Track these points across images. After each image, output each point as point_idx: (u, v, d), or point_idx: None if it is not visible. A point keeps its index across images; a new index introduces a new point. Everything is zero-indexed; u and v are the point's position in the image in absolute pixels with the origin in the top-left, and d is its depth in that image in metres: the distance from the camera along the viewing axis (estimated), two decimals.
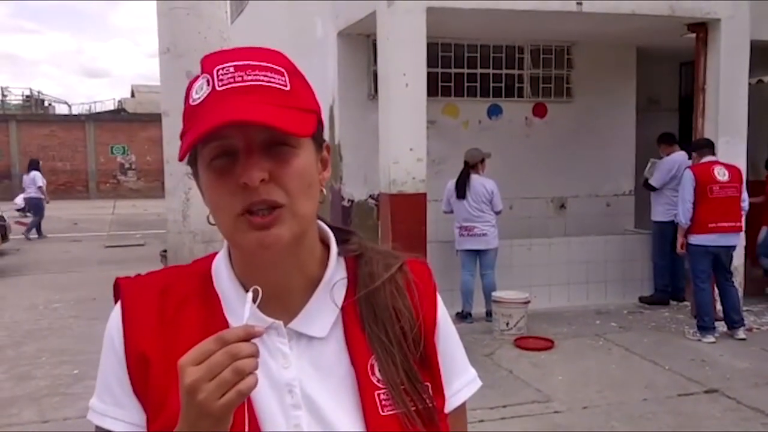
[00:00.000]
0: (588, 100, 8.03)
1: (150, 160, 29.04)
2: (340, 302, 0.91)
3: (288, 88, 0.83)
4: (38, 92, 34.82)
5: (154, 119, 29.00)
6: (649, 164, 7.41)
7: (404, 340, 0.90)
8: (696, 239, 5.90)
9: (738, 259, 6.44)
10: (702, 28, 6.51)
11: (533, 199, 7.91)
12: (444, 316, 0.98)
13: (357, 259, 0.95)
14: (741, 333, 5.90)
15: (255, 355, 0.74)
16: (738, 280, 6.46)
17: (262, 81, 0.82)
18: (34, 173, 14.09)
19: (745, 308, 6.66)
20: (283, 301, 0.90)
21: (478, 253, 6.52)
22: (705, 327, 5.88)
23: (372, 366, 0.88)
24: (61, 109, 34.03)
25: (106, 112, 31.72)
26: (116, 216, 19.03)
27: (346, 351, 0.89)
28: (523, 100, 7.88)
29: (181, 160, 0.86)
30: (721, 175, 5.87)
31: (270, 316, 0.88)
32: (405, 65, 5.65)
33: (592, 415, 4.39)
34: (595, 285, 7.15)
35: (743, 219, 6.01)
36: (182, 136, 0.84)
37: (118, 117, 29.68)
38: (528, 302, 6.09)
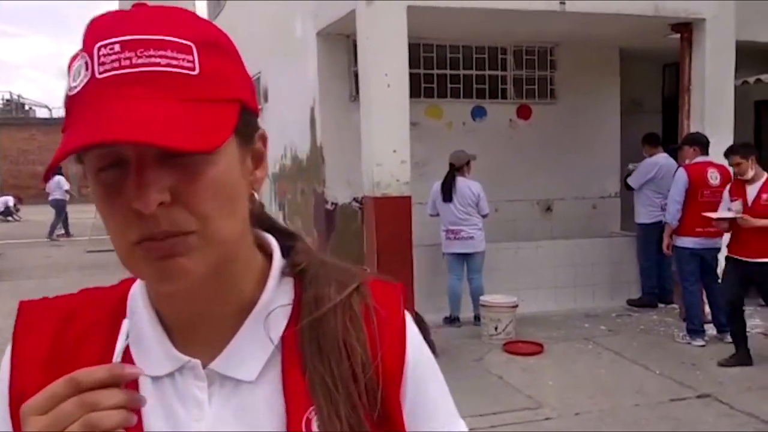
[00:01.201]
0: (572, 102, 7.96)
1: None
2: (277, 335, 0.71)
3: (196, 72, 0.61)
4: (18, 96, 34.39)
5: None
6: (630, 168, 7.39)
7: (354, 386, 0.68)
8: (682, 242, 5.82)
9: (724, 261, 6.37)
10: (686, 28, 6.46)
11: (519, 201, 7.81)
12: (417, 356, 0.74)
13: (301, 276, 0.75)
14: (730, 336, 5.82)
15: (123, 405, 0.58)
16: None
17: (158, 65, 0.60)
18: (59, 177, 14.62)
19: None
20: (205, 334, 0.71)
21: (465, 256, 6.39)
22: (694, 330, 5.80)
23: (309, 420, 0.68)
24: (41, 113, 33.63)
25: None
26: (98, 220, 18.43)
27: (282, 398, 0.69)
28: (507, 101, 7.79)
29: (47, 175, 0.67)
30: (714, 178, 5.75)
31: (189, 352, 0.69)
32: (386, 65, 5.52)
33: (584, 421, 4.27)
34: (582, 288, 7.06)
35: None
36: (63, 131, 0.64)
37: None
38: (516, 306, 5.97)
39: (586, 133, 8.00)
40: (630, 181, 7.11)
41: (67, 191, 14.83)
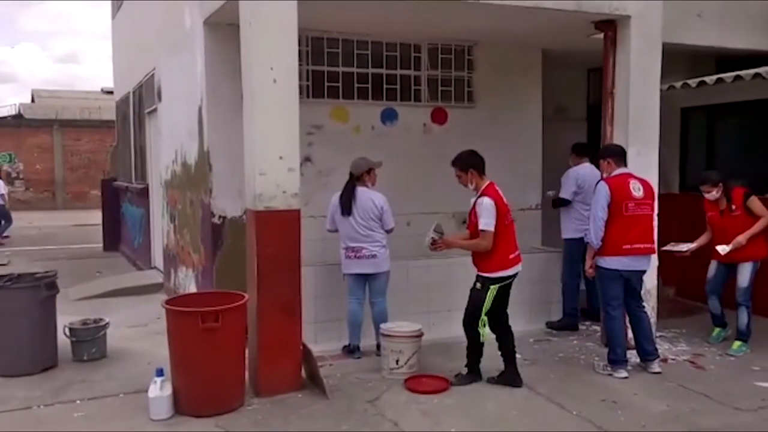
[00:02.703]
0: (491, 106, 7.36)
1: (39, 169, 26.99)
2: None
3: None
4: None
5: (46, 125, 26.94)
6: (549, 194, 6.92)
7: None
8: (607, 262, 5.23)
9: (651, 282, 5.86)
10: (611, 27, 5.92)
11: (433, 214, 7.07)
12: None
13: None
14: (656, 366, 5.28)
15: None
16: (651, 304, 5.88)
17: None
18: None
19: (657, 334, 6.10)
20: None
21: (366, 277, 5.66)
22: (616, 360, 5.23)
23: None
24: None
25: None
26: None
27: None
28: (420, 104, 7.11)
29: None
30: (637, 190, 5.23)
31: None
32: (272, 57, 4.72)
33: None
34: None
35: (655, 240, 5.43)
36: None
37: (3, 122, 27.38)
38: (421, 335, 5.27)
39: (506, 141, 7.41)
40: (563, 194, 6.61)
41: (2, 195, 14.96)
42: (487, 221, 4.79)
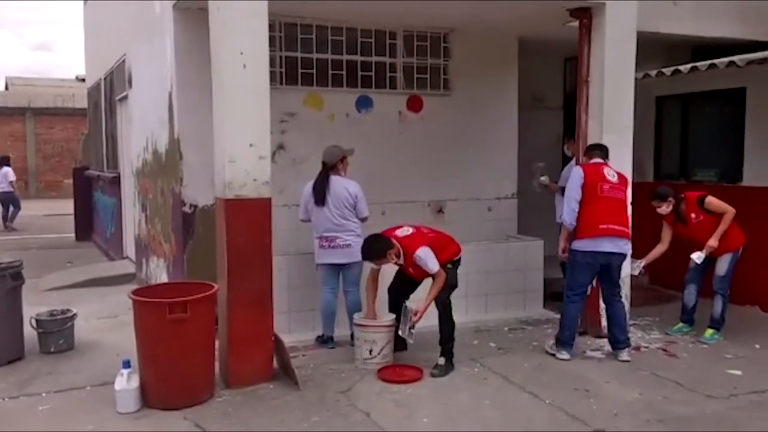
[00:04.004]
0: (467, 94, 7.30)
1: (12, 158, 26.38)
2: None
3: None
4: None
5: (19, 113, 26.38)
6: (538, 168, 6.80)
7: None
8: (583, 244, 5.23)
9: (625, 270, 5.86)
10: (586, 14, 5.87)
11: (408, 203, 7.08)
12: None
13: None
14: (625, 354, 5.29)
15: None
16: (625, 292, 5.88)
17: None
18: (6, 169, 15.16)
19: (632, 322, 6.12)
20: None
21: (340, 267, 5.59)
22: (563, 342, 5.31)
23: None
24: None
25: None
26: None
27: None
28: (396, 91, 7.03)
29: None
30: (611, 176, 5.31)
31: None
32: (242, 41, 4.61)
33: None
34: (474, 299, 6.40)
35: (630, 226, 5.42)
36: None
37: None
38: (395, 326, 5.22)
39: (482, 129, 7.37)
40: (562, 182, 6.49)
41: (11, 182, 15.19)
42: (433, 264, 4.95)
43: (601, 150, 5.52)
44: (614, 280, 5.37)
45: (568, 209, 5.26)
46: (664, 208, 5.86)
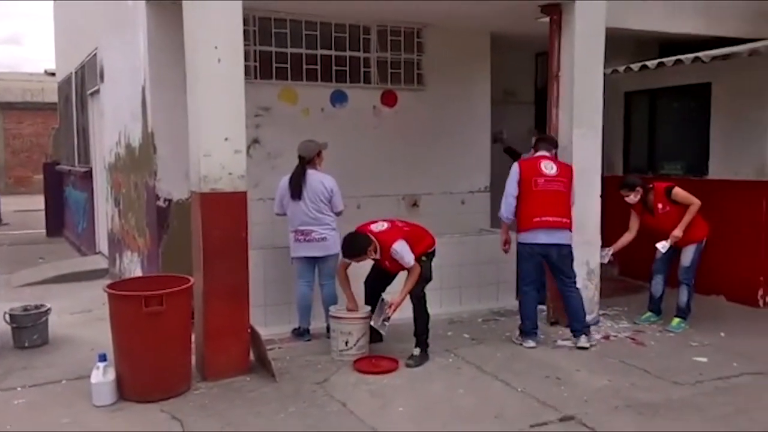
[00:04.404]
0: (441, 89, 7.37)
1: None
2: None
3: None
4: None
5: None
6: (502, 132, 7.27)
7: None
8: (523, 237, 5.46)
9: (594, 261, 6.00)
10: (556, 10, 5.98)
11: (383, 197, 7.14)
12: None
13: None
14: (583, 340, 5.42)
15: None
16: (594, 282, 6.02)
17: None
18: None
19: (601, 312, 6.27)
20: None
21: (316, 260, 5.64)
22: (525, 332, 5.51)
23: None
24: None
25: None
26: None
27: None
28: (370, 86, 7.07)
29: None
30: (549, 168, 5.46)
31: None
32: (216, 35, 4.63)
33: None
34: (448, 291, 6.49)
35: (572, 217, 5.51)
36: None
37: None
38: (370, 317, 5.28)
39: (455, 124, 7.45)
40: None
41: None
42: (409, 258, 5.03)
43: (547, 142, 5.71)
44: (563, 270, 5.49)
45: (504, 204, 5.49)
46: (632, 198, 5.99)
